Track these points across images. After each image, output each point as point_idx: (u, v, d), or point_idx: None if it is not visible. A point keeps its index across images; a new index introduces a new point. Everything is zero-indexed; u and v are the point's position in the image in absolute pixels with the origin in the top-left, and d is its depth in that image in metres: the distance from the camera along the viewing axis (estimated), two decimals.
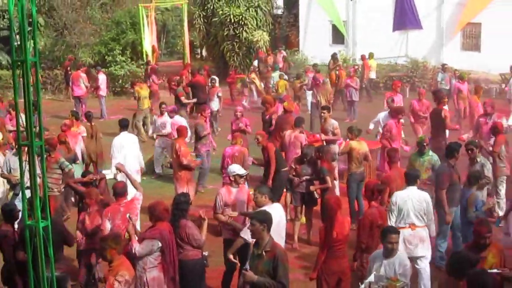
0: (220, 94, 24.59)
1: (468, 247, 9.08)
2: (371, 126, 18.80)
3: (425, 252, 11.21)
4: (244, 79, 30.02)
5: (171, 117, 19.15)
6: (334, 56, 30.88)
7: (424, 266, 11.20)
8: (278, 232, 9.61)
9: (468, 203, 11.41)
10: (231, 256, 10.50)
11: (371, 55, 30.71)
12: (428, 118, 18.89)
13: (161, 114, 19.68)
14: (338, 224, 9.88)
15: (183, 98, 23.79)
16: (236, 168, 11.64)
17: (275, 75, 28.45)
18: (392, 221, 10.94)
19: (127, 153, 16.10)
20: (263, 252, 8.35)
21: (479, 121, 17.12)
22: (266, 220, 8.42)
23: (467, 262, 7.98)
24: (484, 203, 11.79)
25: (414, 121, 19.60)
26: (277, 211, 10.12)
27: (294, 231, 13.98)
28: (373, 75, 30.56)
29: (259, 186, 11.18)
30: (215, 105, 24.21)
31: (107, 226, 10.69)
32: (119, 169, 12.46)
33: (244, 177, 11.77)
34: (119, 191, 11.10)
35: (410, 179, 11.40)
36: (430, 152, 13.84)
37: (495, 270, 8.44)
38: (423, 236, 11.12)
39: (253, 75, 29.32)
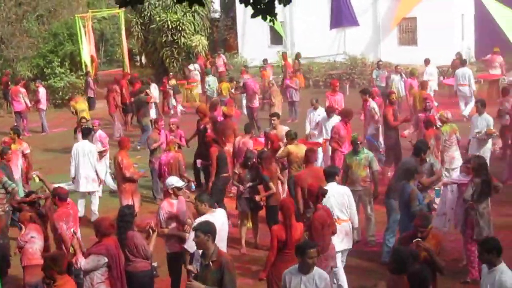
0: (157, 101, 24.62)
1: (406, 238, 9.35)
2: (307, 127, 19.10)
3: (350, 244, 11.78)
4: (177, 85, 29.96)
5: (95, 132, 18.26)
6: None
7: (341, 262, 11.66)
8: (220, 238, 9.68)
9: (411, 198, 11.63)
10: (191, 267, 10.49)
11: (298, 55, 31.31)
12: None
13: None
14: (293, 228, 10.12)
15: None
16: (174, 181, 11.69)
17: (209, 79, 28.67)
18: None
19: (81, 161, 16.15)
20: (210, 262, 8.42)
21: (418, 117, 17.44)
22: (210, 230, 8.50)
23: (409, 257, 8.19)
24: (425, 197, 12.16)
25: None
26: (218, 218, 10.26)
27: (241, 236, 14.06)
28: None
29: (199, 194, 11.33)
30: (152, 113, 24.31)
31: (64, 228, 11.15)
32: (38, 176, 13.03)
33: (183, 188, 11.85)
34: (63, 196, 11.55)
35: (329, 175, 11.91)
36: (366, 150, 14.12)
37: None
38: (347, 229, 11.65)
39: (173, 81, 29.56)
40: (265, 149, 15.48)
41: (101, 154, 17.46)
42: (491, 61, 28.09)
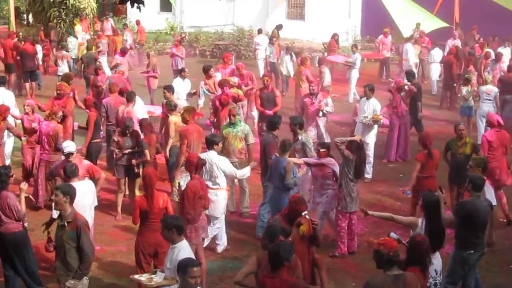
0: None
1: (282, 216, 9.46)
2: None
3: (214, 212, 11.93)
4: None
5: None
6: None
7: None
8: (79, 208, 9.59)
9: (286, 171, 11.85)
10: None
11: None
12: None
13: None
14: (154, 198, 10.17)
15: None
16: (68, 144, 12.11)
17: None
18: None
19: None
20: (66, 223, 8.73)
21: (305, 102, 17.47)
22: (69, 192, 8.83)
23: (280, 234, 8.36)
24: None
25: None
26: (80, 188, 10.14)
27: (117, 203, 14.00)
28: None
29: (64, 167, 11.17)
30: None
31: None
32: None
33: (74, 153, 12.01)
34: None
35: (209, 143, 12.17)
36: (242, 123, 14.27)
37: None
38: (213, 198, 11.72)
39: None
40: (147, 117, 15.49)
41: None
42: (382, 42, 28.60)
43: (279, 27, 30.22)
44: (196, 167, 10.94)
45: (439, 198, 9.37)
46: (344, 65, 25.97)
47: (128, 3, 9.69)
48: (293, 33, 30.80)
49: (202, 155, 11.66)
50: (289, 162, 11.96)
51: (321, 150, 12.31)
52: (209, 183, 11.83)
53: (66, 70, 23.89)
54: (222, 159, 12.21)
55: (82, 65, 24.71)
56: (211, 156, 11.99)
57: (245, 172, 12.45)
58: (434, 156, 13.22)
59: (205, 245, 11.46)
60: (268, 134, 13.55)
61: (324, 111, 17.10)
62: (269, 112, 16.82)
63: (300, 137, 13.32)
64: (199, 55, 33.80)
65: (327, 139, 16.13)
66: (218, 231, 12.18)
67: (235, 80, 18.33)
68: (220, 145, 12.45)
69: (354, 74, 24.72)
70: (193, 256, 8.42)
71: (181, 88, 18.71)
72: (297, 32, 31.53)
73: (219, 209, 11.99)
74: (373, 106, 16.51)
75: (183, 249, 8.38)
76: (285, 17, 35.71)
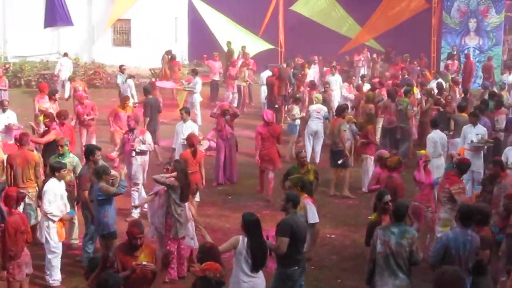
0: None
1: (121, 247, 9.37)
2: None
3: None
4: None
5: None
6: None
7: None
8: None
9: (103, 190, 11.83)
10: None
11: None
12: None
13: None
14: None
15: None
16: None
17: None
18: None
19: None
20: None
21: (124, 138, 16.35)
22: None
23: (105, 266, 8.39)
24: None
25: (80, 124, 19.66)
26: None
27: None
28: None
29: None
30: None
31: None
32: None
33: None
34: None
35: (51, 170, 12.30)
36: (71, 154, 13.99)
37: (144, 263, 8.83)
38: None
39: None
40: None
41: None
42: (211, 66, 28.99)
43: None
44: (16, 200, 10.77)
45: (257, 217, 9.68)
46: (184, 90, 26.03)
47: None
48: (119, 60, 30.57)
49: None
50: (102, 185, 11.83)
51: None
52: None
53: None
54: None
55: None
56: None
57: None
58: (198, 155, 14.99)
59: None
60: (84, 166, 13.35)
61: (137, 150, 15.69)
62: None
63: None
64: (25, 85, 33.00)
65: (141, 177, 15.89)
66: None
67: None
68: (63, 172, 12.21)
69: (197, 98, 25.00)
70: None
71: (1, 120, 18.10)
72: (123, 58, 31.35)
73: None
74: (191, 128, 17.01)
75: None
76: (111, 44, 35.65)
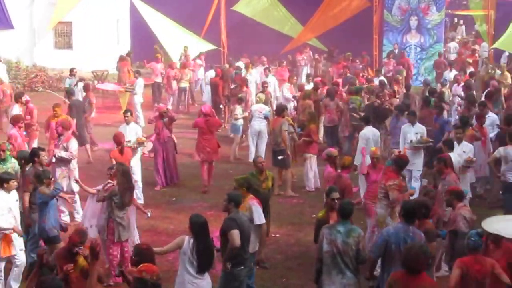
0: None
1: (61, 252, 9.33)
2: None
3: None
4: None
5: None
6: None
7: None
8: None
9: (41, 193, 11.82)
10: None
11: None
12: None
13: None
14: None
15: None
16: None
17: None
18: None
19: None
20: None
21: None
22: None
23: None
24: None
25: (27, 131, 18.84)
26: None
27: None
28: None
29: None
30: None
31: None
32: None
33: None
34: None
35: None
36: (13, 159, 13.67)
37: None
38: None
39: None
40: None
41: None
42: (153, 67, 28.80)
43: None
44: None
45: (205, 219, 9.71)
46: (125, 91, 25.81)
47: None
48: (61, 63, 30.34)
49: None
50: (40, 188, 11.82)
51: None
52: None
53: None
54: None
55: None
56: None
57: None
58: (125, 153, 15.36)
59: None
60: (30, 168, 13.14)
61: (57, 156, 15.24)
62: None
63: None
64: None
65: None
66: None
67: None
68: (12, 183, 11.73)
69: (138, 100, 24.84)
70: None
71: None
72: (65, 61, 31.03)
73: None
74: (134, 130, 17.02)
75: None
76: (53, 47, 35.34)
